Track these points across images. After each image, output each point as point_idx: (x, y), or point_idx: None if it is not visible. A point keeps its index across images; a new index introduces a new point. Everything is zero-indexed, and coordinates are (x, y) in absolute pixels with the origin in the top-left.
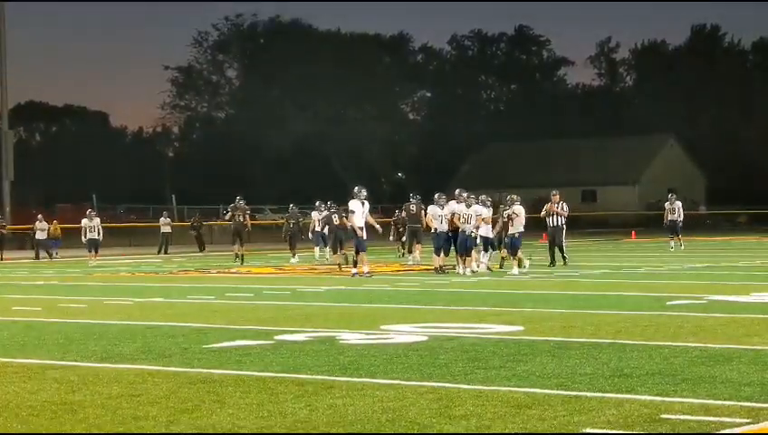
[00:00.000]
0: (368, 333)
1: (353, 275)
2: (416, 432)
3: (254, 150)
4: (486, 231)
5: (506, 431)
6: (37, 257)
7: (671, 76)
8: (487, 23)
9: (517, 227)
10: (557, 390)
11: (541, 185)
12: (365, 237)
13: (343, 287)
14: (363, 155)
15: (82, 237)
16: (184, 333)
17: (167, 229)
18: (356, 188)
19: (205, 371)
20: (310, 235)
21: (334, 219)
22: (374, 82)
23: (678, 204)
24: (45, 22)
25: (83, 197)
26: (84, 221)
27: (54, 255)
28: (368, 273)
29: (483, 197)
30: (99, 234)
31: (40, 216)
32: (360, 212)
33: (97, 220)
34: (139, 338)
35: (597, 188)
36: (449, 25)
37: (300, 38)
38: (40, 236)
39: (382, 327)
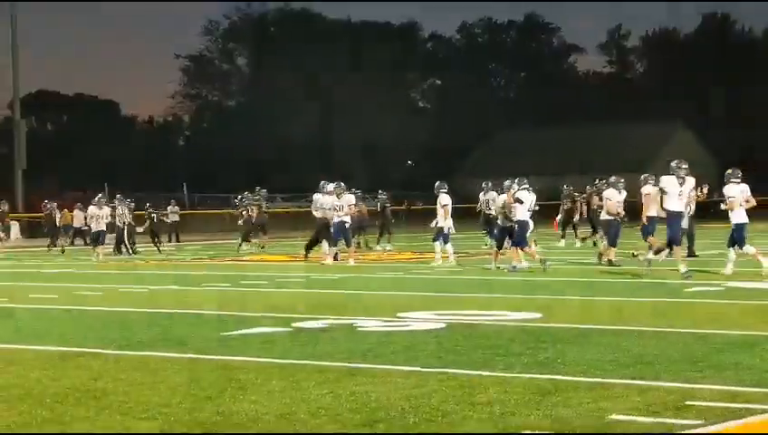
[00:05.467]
0: (385, 321)
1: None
2: (439, 420)
3: (265, 139)
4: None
5: (532, 418)
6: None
7: (682, 63)
8: (497, 10)
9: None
10: (580, 377)
11: (551, 172)
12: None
13: (357, 275)
14: (373, 143)
15: (92, 226)
16: (202, 321)
17: (175, 218)
18: (517, 179)
19: (225, 358)
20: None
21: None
22: (384, 71)
23: (493, 194)
24: (56, 11)
25: (95, 185)
26: (92, 209)
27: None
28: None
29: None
30: (105, 225)
31: (55, 204)
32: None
33: (107, 210)
34: (156, 326)
35: (608, 176)
36: (459, 13)
37: (310, 27)
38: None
39: (399, 314)
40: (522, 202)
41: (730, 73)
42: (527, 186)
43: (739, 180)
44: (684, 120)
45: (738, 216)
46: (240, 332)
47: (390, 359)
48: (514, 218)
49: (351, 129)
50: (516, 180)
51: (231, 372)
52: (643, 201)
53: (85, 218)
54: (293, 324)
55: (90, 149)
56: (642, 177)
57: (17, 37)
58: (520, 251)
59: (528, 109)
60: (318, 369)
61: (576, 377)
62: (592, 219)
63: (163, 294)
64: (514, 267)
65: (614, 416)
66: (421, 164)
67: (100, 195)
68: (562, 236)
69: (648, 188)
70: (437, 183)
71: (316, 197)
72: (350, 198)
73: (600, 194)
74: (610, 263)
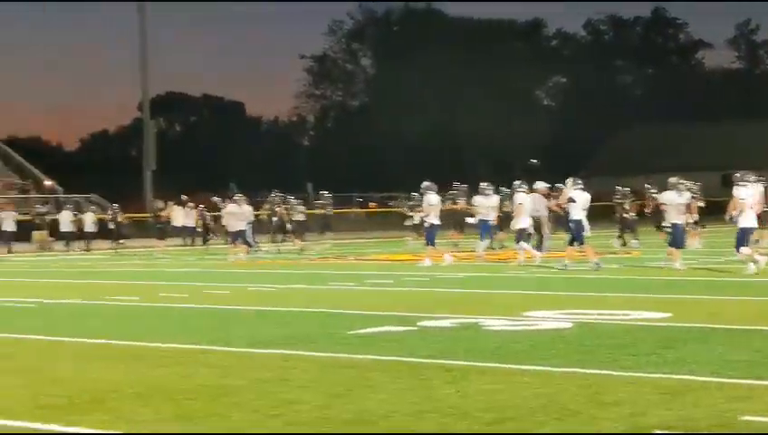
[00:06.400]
0: (511, 320)
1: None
2: (569, 419)
3: (388, 138)
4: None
5: (662, 419)
6: (192, 244)
7: None
8: (623, 6)
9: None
10: (711, 377)
11: (678, 170)
12: None
13: (482, 274)
14: (496, 141)
15: (228, 226)
16: (328, 319)
17: (300, 217)
18: (571, 178)
19: (352, 356)
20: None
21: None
22: (507, 69)
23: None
24: (183, 13)
25: (221, 185)
26: (231, 207)
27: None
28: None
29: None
30: (248, 224)
31: (191, 203)
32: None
33: (246, 208)
34: (284, 324)
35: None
36: (584, 10)
37: (433, 25)
38: (188, 223)
39: (525, 313)
40: (575, 201)
41: None
42: (581, 185)
43: (746, 184)
44: None
45: (746, 219)
46: (367, 330)
47: (517, 358)
48: (570, 217)
49: (475, 128)
50: (571, 179)
51: (359, 370)
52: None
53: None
54: (419, 323)
55: (216, 149)
56: (737, 175)
57: (148, 39)
58: (586, 248)
59: (654, 106)
60: (445, 368)
61: (706, 377)
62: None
63: (290, 292)
64: (566, 266)
65: (747, 417)
66: (545, 162)
67: (238, 193)
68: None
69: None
70: (515, 182)
71: (477, 199)
72: (430, 199)
73: None
74: None
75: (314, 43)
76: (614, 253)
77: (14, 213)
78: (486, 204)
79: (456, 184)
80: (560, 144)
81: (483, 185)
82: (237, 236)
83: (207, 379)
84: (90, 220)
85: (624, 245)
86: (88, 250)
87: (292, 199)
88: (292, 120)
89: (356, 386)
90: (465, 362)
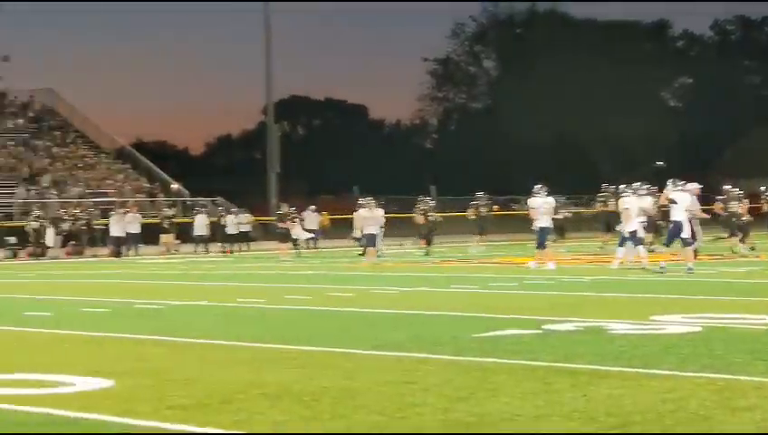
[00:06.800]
0: (637, 323)
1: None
2: (698, 424)
3: (511, 140)
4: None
5: None
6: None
7: None
8: (751, 6)
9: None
10: None
11: None
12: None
13: (608, 277)
14: (622, 143)
15: (358, 232)
16: (451, 322)
17: (420, 220)
18: (672, 180)
19: (475, 359)
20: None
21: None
22: (633, 70)
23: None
24: (305, 16)
25: (345, 188)
26: (363, 212)
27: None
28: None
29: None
30: (380, 228)
31: (313, 207)
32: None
33: (379, 211)
34: (407, 326)
35: None
36: (711, 10)
37: (557, 27)
38: (310, 226)
39: (652, 317)
40: (676, 203)
41: None
42: (682, 186)
43: None
44: None
45: None
46: (490, 333)
47: (644, 362)
48: (670, 218)
49: (600, 129)
50: (671, 181)
51: (483, 373)
52: None
53: None
54: (544, 327)
55: (339, 152)
56: None
57: (272, 44)
58: (689, 251)
59: None
60: (570, 371)
61: None
62: None
63: (413, 295)
64: (691, 269)
65: None
66: (672, 163)
67: (370, 197)
68: None
69: None
70: (621, 186)
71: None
72: (533, 202)
73: None
74: None
75: (437, 46)
76: (744, 256)
77: (138, 215)
78: (638, 204)
79: (604, 186)
80: (686, 145)
81: (635, 185)
82: (370, 240)
83: (332, 381)
84: (230, 223)
85: (753, 248)
86: (224, 252)
87: (430, 201)
88: (415, 123)
89: (479, 389)
90: (590, 366)
